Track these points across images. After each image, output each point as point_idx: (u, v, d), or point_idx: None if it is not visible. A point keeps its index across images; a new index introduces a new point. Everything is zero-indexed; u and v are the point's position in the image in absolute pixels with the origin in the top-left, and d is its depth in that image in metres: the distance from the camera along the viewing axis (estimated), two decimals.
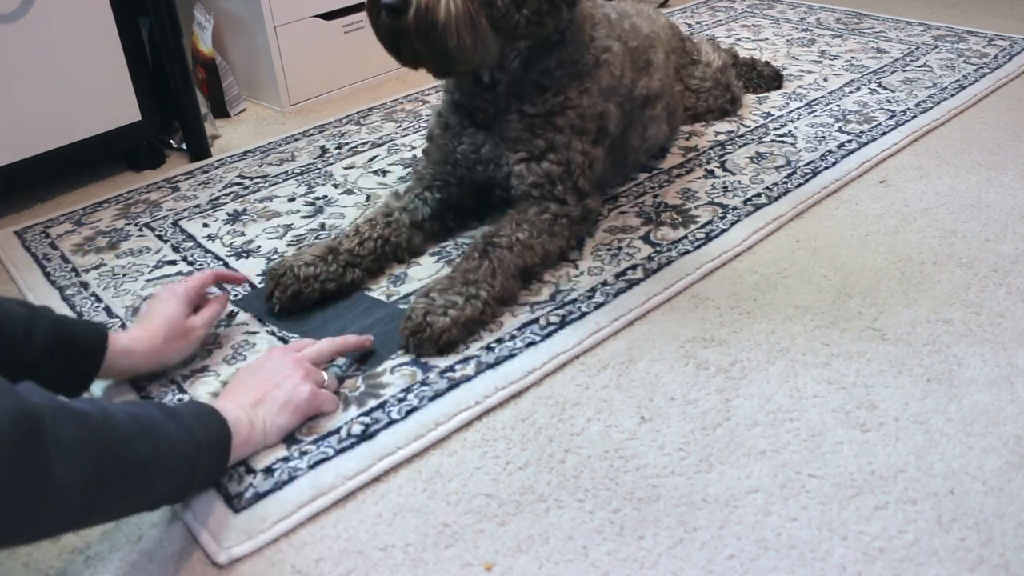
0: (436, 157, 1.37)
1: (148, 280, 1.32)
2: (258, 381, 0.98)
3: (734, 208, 1.42)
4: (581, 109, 1.28)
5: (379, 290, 1.26)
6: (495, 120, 1.29)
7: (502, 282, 1.17)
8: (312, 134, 1.85)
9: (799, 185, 1.48)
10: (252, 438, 0.93)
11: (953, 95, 1.80)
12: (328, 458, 0.95)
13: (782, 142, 1.65)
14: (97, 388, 1.06)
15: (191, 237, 1.45)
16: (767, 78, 1.90)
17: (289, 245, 1.40)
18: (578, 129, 1.28)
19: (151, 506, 0.82)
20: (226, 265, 1.36)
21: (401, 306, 1.21)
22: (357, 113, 1.94)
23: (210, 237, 1.44)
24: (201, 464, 0.84)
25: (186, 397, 1.06)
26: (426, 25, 1.08)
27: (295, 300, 1.19)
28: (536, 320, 1.17)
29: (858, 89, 1.88)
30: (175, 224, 1.50)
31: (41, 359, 0.92)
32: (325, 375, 1.03)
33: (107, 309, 1.25)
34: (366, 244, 1.27)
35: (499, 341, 1.12)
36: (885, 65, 2.01)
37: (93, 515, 0.75)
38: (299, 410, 0.97)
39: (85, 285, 1.32)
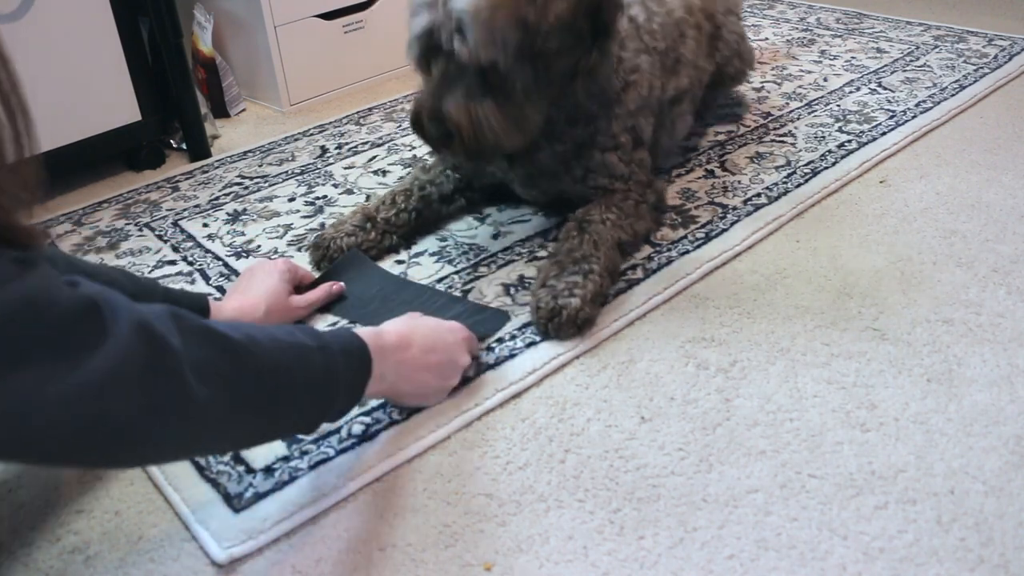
0: (465, 171, 1.41)
1: None
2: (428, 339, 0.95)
3: (734, 208, 1.42)
4: (611, 135, 1.28)
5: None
6: (523, 155, 1.29)
7: (606, 252, 1.19)
8: (312, 134, 1.85)
9: (799, 185, 1.48)
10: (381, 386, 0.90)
11: (953, 95, 1.80)
12: (329, 458, 0.95)
13: (782, 142, 1.65)
14: None
15: (191, 237, 1.45)
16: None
17: (289, 245, 1.40)
18: (612, 147, 1.29)
19: (288, 431, 0.82)
20: (226, 265, 1.36)
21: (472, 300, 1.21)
22: (357, 113, 1.94)
23: (210, 237, 1.44)
24: (339, 398, 0.82)
25: None
26: (474, 149, 1.14)
27: None
28: None
29: (858, 89, 1.88)
30: (175, 224, 1.50)
31: None
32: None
33: None
34: (401, 215, 1.35)
35: (499, 341, 1.12)
36: (885, 65, 2.01)
37: (233, 435, 0.74)
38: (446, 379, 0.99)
39: None
